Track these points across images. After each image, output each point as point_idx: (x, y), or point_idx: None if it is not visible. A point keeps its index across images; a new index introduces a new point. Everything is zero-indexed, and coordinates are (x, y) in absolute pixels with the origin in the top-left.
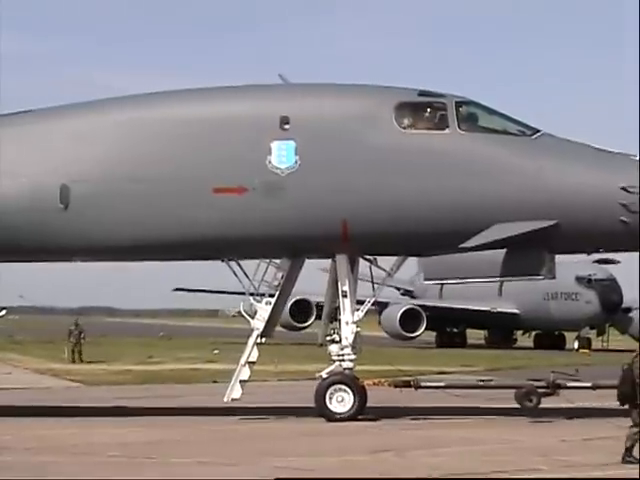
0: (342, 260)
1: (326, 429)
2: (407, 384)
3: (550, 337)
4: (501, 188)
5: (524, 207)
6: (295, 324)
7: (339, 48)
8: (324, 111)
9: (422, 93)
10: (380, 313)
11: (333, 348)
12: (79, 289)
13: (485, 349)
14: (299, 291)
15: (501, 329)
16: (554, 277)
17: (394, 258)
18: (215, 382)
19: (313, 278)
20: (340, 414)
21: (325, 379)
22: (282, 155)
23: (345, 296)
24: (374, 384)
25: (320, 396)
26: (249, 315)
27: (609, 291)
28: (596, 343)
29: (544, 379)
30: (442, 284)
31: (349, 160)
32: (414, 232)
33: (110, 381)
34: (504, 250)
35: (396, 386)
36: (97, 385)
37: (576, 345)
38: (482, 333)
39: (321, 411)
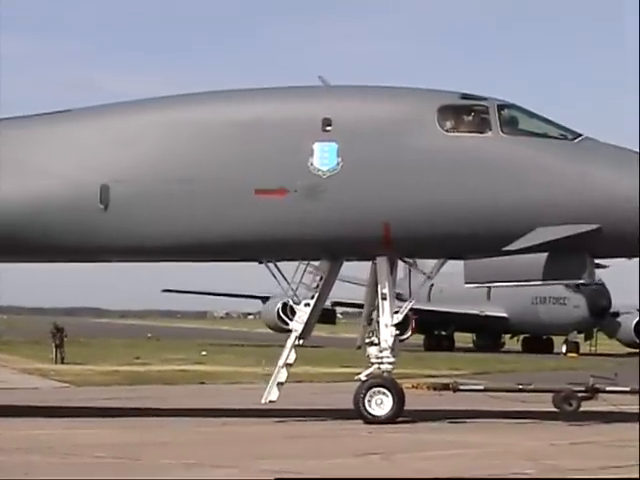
0: (382, 262)
1: (313, 432)
2: (446, 387)
3: (538, 341)
4: (543, 192)
5: (566, 211)
6: (283, 326)
7: (328, 50)
8: (366, 113)
9: (464, 96)
10: None
11: (372, 350)
12: (67, 289)
13: (473, 352)
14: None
15: (489, 333)
16: (594, 281)
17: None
18: (203, 383)
19: None
20: (379, 417)
21: (364, 382)
22: (324, 157)
23: (384, 298)
24: (413, 387)
25: (359, 399)
26: (288, 317)
27: (597, 296)
28: (584, 347)
29: (583, 383)
30: (483, 287)
31: (391, 162)
32: (456, 235)
33: (98, 382)
34: (545, 254)
35: (435, 389)
36: (85, 386)
37: (564, 349)
38: (470, 336)
39: (360, 413)
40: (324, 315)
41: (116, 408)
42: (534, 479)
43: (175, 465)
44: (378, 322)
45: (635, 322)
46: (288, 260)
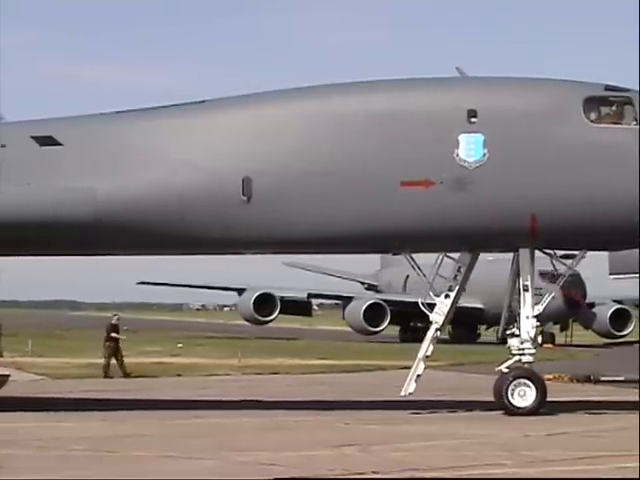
0: (525, 254)
1: (290, 424)
2: (587, 379)
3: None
4: None
5: None
6: (259, 318)
7: (315, 42)
8: (512, 104)
9: (608, 87)
10: (344, 307)
11: (513, 342)
12: (43, 283)
13: (449, 344)
14: (263, 285)
15: (465, 324)
16: None
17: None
18: (179, 376)
19: (277, 273)
20: (522, 408)
21: (506, 373)
22: (470, 148)
23: (526, 290)
24: (554, 378)
25: (502, 390)
26: (427, 309)
27: (573, 286)
28: (560, 338)
29: None
30: (628, 278)
31: (538, 154)
32: (603, 227)
33: (74, 374)
34: None
35: (577, 380)
36: (61, 378)
37: (539, 340)
38: (446, 328)
39: (502, 405)
40: (300, 307)
41: (92, 400)
42: (509, 479)
43: (151, 457)
44: (519, 314)
45: (610, 313)
46: (428, 252)
